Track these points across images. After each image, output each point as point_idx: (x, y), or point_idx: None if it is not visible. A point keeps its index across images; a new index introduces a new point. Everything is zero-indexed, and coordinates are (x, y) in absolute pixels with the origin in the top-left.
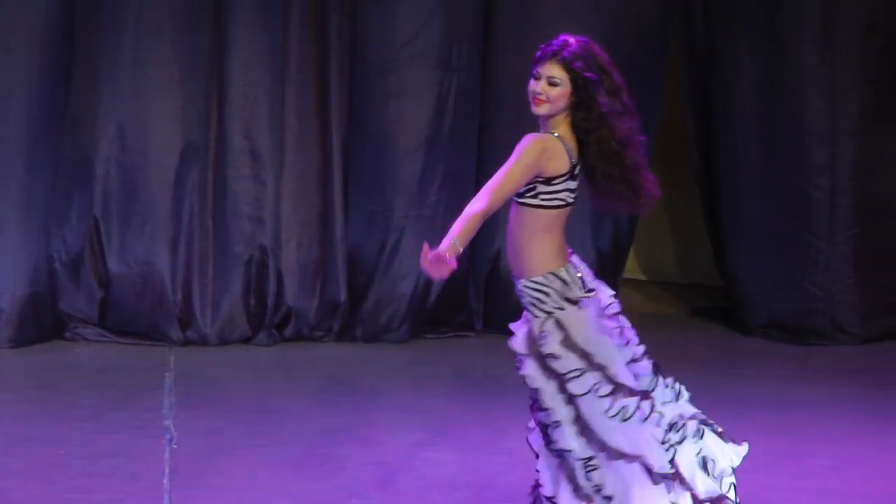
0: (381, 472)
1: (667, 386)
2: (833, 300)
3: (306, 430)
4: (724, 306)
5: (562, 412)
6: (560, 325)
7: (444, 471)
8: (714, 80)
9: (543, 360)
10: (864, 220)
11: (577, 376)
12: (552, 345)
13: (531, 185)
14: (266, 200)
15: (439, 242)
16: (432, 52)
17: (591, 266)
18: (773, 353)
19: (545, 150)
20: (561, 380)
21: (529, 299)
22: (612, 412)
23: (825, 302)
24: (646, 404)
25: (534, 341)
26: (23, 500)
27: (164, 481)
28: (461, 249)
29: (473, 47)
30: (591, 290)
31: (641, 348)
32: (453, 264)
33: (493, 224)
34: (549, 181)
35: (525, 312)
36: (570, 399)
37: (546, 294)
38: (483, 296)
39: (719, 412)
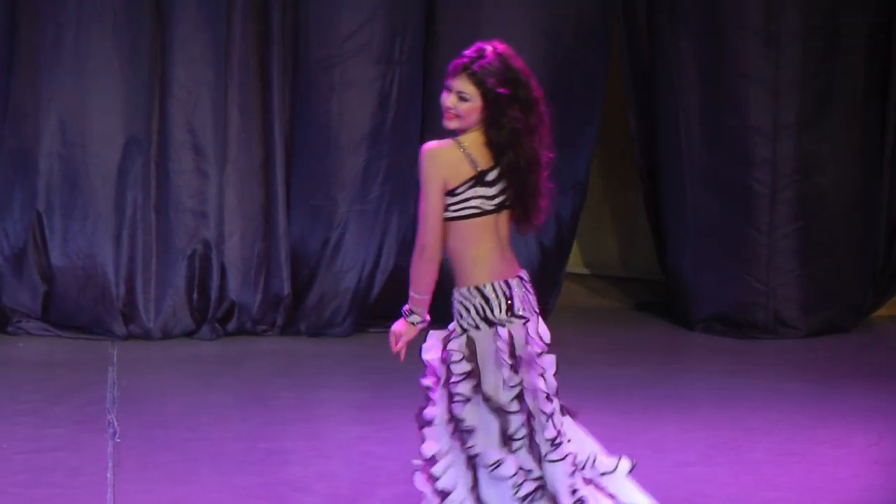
0: (325, 466)
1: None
2: (775, 294)
3: (249, 424)
4: (666, 301)
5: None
6: (470, 345)
7: (388, 464)
8: (656, 75)
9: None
10: (805, 215)
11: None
12: (459, 366)
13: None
14: (209, 194)
15: (381, 239)
16: (375, 46)
17: (533, 261)
18: (715, 347)
19: (437, 158)
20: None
21: (454, 310)
22: (473, 451)
23: (767, 296)
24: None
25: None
26: None
27: (108, 475)
28: (424, 297)
29: (416, 41)
30: (518, 317)
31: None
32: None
33: None
34: (452, 192)
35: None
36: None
37: (466, 309)
38: None
39: (662, 406)
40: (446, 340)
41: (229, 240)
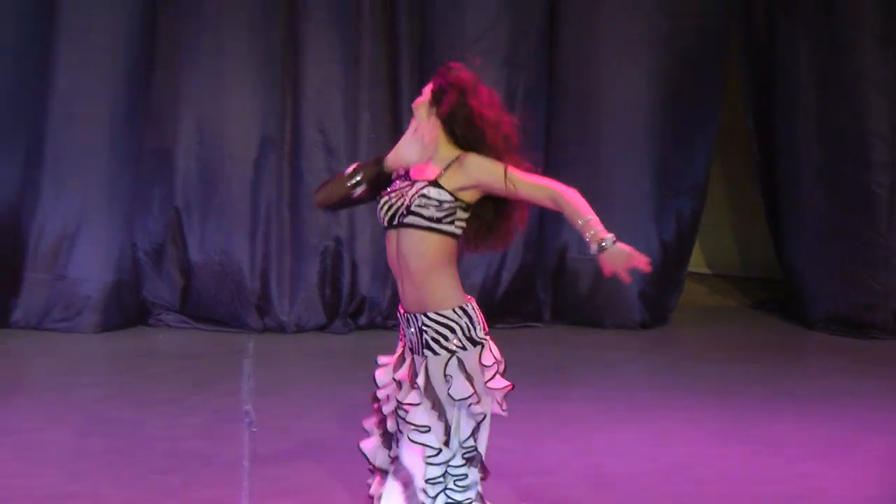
0: None
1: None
2: (894, 294)
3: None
4: (784, 300)
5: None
6: (462, 366)
7: (512, 457)
8: (774, 77)
9: (436, 402)
10: None
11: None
12: (465, 387)
13: (451, 210)
14: None
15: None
16: (500, 50)
17: (655, 260)
18: (833, 346)
19: None
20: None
21: (432, 335)
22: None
23: (886, 296)
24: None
25: (427, 381)
26: (104, 481)
27: (244, 463)
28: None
29: (539, 44)
30: (488, 334)
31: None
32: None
33: (559, 218)
34: (468, 206)
35: (403, 348)
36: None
37: (452, 330)
38: (551, 287)
39: (779, 403)
40: (426, 365)
41: (360, 237)
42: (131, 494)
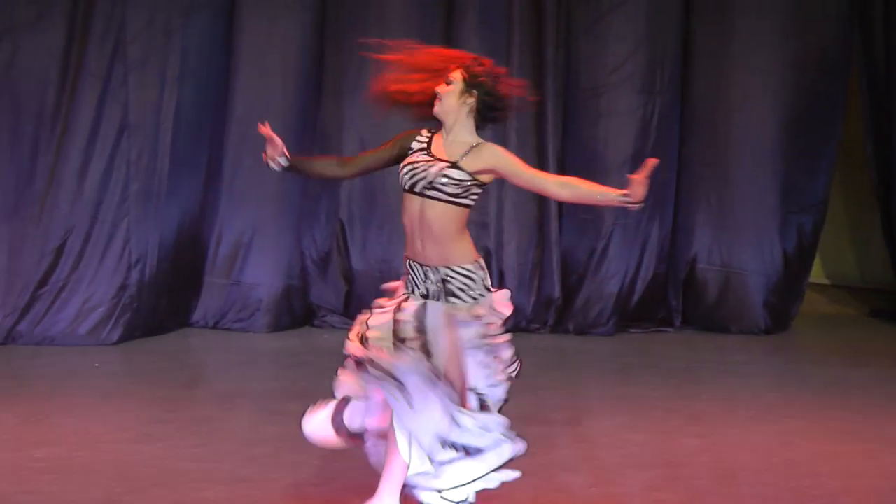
0: (589, 450)
1: None
2: None
3: (521, 410)
4: None
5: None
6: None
7: (644, 450)
8: (893, 103)
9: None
10: None
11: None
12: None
13: (468, 188)
14: (489, 207)
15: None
16: (638, 78)
17: (779, 270)
18: None
19: None
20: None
21: (458, 285)
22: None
23: None
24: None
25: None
26: (273, 466)
27: None
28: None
29: (674, 73)
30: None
31: None
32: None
33: (688, 231)
34: (483, 185)
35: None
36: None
37: (473, 281)
38: (682, 295)
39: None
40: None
41: (507, 247)
42: (297, 479)
